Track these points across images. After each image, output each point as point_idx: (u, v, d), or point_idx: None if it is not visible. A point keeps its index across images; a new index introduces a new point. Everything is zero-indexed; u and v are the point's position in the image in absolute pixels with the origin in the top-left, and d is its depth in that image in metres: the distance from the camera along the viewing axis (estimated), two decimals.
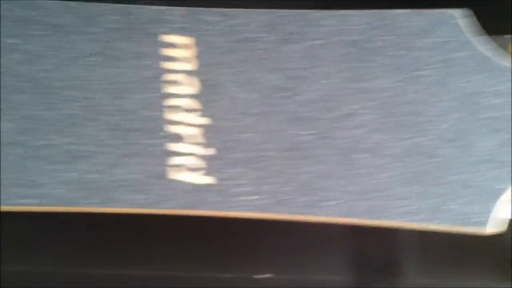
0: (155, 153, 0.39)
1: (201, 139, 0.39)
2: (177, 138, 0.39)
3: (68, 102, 0.39)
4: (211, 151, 0.39)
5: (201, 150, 0.39)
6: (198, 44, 0.40)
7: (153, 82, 0.40)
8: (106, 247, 0.43)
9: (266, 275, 0.43)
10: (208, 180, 0.39)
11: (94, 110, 0.39)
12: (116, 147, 0.39)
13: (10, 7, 0.39)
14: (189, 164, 0.39)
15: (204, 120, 0.40)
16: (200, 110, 0.40)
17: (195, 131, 0.39)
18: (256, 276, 0.42)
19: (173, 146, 0.39)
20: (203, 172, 0.39)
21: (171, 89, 0.40)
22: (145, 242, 0.42)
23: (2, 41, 0.39)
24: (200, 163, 0.39)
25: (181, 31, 0.40)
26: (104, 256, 0.43)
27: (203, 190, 0.39)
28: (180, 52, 0.40)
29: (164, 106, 0.39)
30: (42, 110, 0.39)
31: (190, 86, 0.40)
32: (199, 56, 0.40)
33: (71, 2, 0.39)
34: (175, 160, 0.39)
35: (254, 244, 0.43)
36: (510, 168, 0.39)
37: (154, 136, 0.39)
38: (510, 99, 0.39)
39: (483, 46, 0.39)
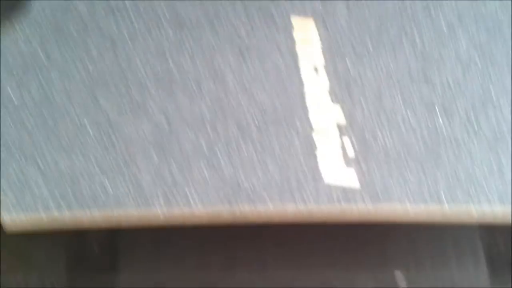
0: (298, 150, 0.35)
1: (342, 136, 0.36)
2: (319, 134, 0.36)
3: (199, 99, 0.36)
4: (353, 147, 0.36)
5: (343, 147, 0.36)
6: (326, 34, 0.38)
7: (286, 76, 0.37)
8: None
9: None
10: (354, 179, 0.35)
11: (228, 106, 0.36)
12: (255, 144, 0.35)
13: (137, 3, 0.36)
14: (334, 163, 0.35)
15: (342, 115, 0.37)
16: (337, 104, 0.37)
17: (335, 127, 0.36)
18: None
19: (315, 144, 0.36)
20: (348, 170, 0.35)
21: (305, 83, 0.37)
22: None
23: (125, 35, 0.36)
24: (345, 161, 0.36)
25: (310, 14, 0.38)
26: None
27: (351, 190, 0.35)
28: (311, 45, 0.37)
29: (301, 102, 0.36)
30: (172, 108, 0.35)
31: (324, 79, 0.37)
32: (330, 48, 0.37)
33: None
34: (319, 158, 0.35)
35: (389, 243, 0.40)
36: None
37: (293, 132, 0.36)
38: None
39: None
